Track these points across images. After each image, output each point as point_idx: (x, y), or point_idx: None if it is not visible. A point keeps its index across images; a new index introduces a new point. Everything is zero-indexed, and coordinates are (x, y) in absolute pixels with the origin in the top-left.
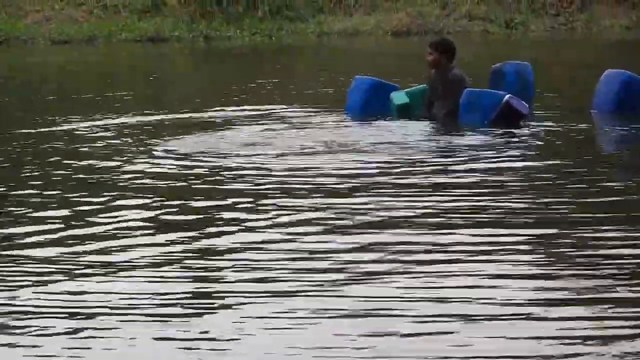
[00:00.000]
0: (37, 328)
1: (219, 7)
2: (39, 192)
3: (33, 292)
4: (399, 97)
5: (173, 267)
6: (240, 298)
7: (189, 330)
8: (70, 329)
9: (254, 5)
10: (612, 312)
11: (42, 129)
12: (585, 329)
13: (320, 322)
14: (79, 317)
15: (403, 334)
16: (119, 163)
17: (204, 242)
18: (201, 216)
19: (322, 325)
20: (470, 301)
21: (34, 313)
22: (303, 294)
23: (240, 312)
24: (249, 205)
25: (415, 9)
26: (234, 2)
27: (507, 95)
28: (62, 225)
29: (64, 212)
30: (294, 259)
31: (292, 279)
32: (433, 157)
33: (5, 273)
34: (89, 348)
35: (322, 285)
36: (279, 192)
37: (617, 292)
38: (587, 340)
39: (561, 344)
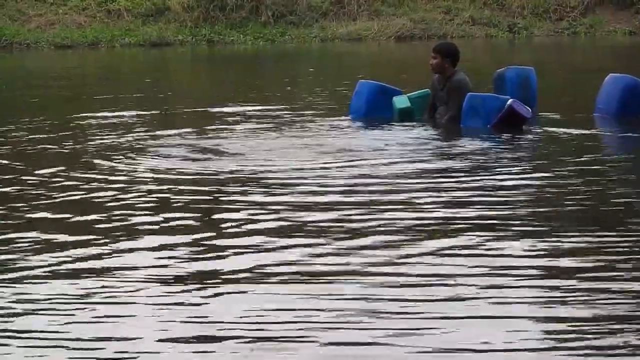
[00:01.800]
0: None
1: (223, 12)
2: (35, 191)
3: (34, 294)
4: (400, 102)
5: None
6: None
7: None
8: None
9: (257, 11)
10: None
11: (42, 129)
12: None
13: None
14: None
15: None
16: (118, 162)
17: (204, 251)
18: (201, 223)
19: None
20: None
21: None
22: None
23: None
24: (247, 209)
25: (419, 14)
26: (237, 7)
27: (510, 100)
28: (61, 229)
29: (63, 213)
30: (299, 279)
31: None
32: (434, 163)
33: (7, 271)
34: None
35: (324, 302)
36: (280, 196)
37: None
38: None
39: None
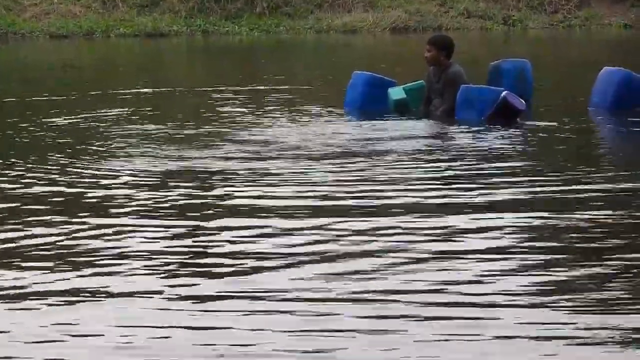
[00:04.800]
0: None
1: (217, 3)
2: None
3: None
4: (396, 93)
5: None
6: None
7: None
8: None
9: (252, 2)
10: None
11: (38, 124)
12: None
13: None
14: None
15: None
16: (113, 157)
17: (199, 250)
18: (195, 222)
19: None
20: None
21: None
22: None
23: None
24: (243, 207)
25: (414, 5)
26: None
27: (505, 92)
28: (57, 223)
29: (62, 210)
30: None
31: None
32: (429, 156)
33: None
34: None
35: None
36: (274, 190)
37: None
38: None
39: None
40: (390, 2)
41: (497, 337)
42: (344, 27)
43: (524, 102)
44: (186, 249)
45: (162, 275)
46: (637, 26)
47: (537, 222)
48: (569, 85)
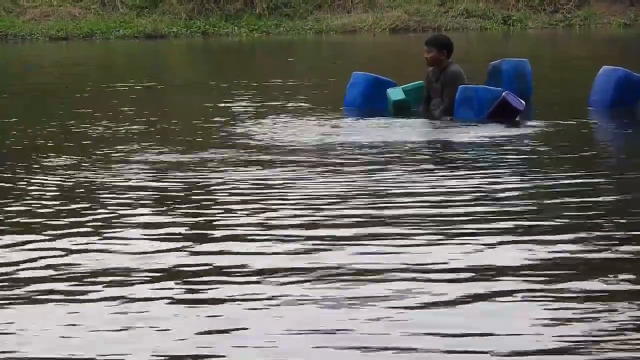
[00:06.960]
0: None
1: (217, 4)
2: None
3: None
4: (395, 94)
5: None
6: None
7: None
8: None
9: (251, 3)
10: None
11: (38, 123)
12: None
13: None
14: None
15: None
16: (111, 155)
17: (193, 254)
18: (191, 224)
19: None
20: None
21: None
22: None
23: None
24: (242, 208)
25: (413, 6)
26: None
27: (504, 92)
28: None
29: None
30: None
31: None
32: (428, 156)
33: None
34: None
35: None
36: (274, 189)
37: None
38: None
39: None
40: (390, 3)
41: None
42: (343, 28)
43: (523, 102)
44: (185, 251)
45: (159, 285)
46: (636, 25)
47: (537, 222)
48: (568, 84)
